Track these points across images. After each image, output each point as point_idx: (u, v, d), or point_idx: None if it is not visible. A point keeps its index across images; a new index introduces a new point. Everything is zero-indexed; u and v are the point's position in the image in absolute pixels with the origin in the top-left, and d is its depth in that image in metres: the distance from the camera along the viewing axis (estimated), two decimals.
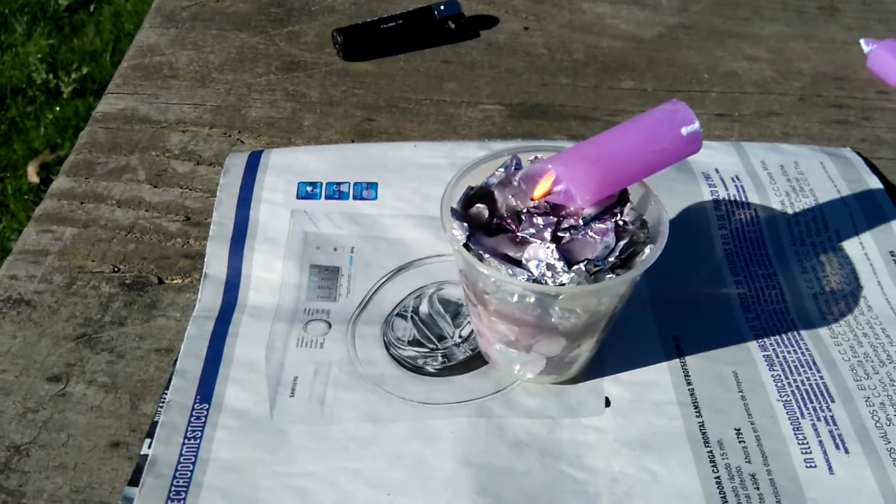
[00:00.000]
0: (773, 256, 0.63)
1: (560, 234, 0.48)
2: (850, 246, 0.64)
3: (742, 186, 0.68)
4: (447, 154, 0.69)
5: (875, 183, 0.69)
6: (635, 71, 0.84)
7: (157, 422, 0.50)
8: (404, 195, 0.66)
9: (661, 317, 0.59)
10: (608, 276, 0.46)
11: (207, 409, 0.51)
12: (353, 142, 0.72)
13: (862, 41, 0.86)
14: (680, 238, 0.62)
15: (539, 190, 0.48)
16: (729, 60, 0.86)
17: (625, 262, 0.48)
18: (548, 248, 0.46)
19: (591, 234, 0.48)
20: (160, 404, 0.52)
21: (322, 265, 0.61)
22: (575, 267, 0.45)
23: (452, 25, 0.85)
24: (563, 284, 0.45)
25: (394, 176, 0.67)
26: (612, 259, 0.47)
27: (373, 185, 0.66)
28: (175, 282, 0.60)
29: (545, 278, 0.45)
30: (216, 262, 0.60)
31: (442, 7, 0.84)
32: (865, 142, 0.76)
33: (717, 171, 0.70)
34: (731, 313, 0.59)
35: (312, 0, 0.90)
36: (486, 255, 0.46)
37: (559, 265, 0.45)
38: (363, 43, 0.82)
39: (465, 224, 0.47)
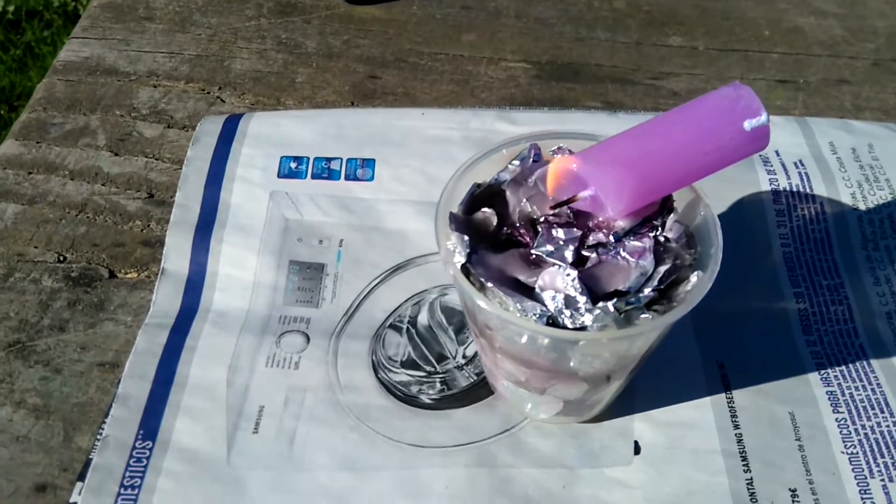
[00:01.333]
0: (841, 263, 0.55)
1: (585, 252, 0.39)
2: None
3: (807, 174, 0.59)
4: (460, 125, 0.60)
5: None
6: (684, 24, 0.74)
7: (91, 460, 0.43)
8: (406, 176, 0.57)
9: (704, 337, 0.50)
10: (643, 315, 0.37)
11: (151, 449, 0.43)
12: (352, 104, 0.64)
13: None
14: (732, 237, 0.53)
15: (552, 185, 0.39)
16: (794, 14, 0.76)
17: (665, 291, 0.39)
18: (567, 274, 0.37)
19: (623, 254, 0.39)
20: (97, 437, 0.44)
21: (304, 262, 0.52)
22: (601, 304, 0.36)
23: None
24: (585, 327, 0.36)
25: (395, 151, 0.58)
26: (648, 291, 0.38)
27: (369, 163, 0.57)
28: (129, 276, 0.52)
29: (563, 317, 0.37)
30: (176, 255, 0.52)
31: None
32: None
33: (777, 153, 0.60)
34: (788, 334, 0.51)
35: None
36: (489, 284, 0.37)
37: (581, 300, 0.37)
38: None
39: (467, 238, 0.38)
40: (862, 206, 0.58)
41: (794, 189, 0.58)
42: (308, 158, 0.57)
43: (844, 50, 0.73)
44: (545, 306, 0.37)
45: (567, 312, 0.37)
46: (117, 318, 0.50)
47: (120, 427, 0.44)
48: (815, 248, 0.55)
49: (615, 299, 0.37)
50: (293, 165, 0.57)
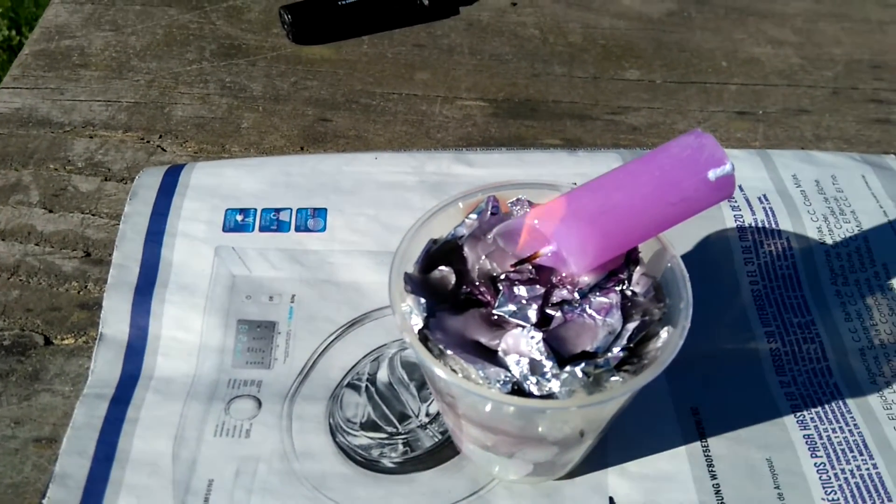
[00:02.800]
0: (811, 300, 0.54)
1: (549, 310, 0.37)
2: None
3: (772, 209, 0.58)
4: (416, 169, 0.59)
5: None
6: (641, 58, 0.73)
7: None
8: (360, 225, 0.55)
9: (676, 383, 0.49)
10: (613, 377, 0.36)
11: None
12: (301, 149, 0.62)
13: None
14: (699, 277, 0.52)
15: (523, 245, 0.38)
16: (750, 44, 0.75)
17: (635, 349, 0.37)
18: (532, 337, 0.36)
19: (589, 311, 0.37)
20: None
21: (253, 320, 0.50)
22: (568, 369, 0.35)
23: (426, 1, 0.73)
24: (553, 394, 0.35)
25: (347, 199, 0.56)
26: (617, 351, 0.36)
27: (321, 212, 0.55)
28: (66, 342, 0.49)
29: (528, 384, 0.35)
30: (115, 318, 0.49)
31: None
32: None
33: (741, 188, 0.59)
34: (761, 376, 0.50)
35: None
36: (449, 352, 0.35)
37: (548, 365, 0.35)
38: (317, 22, 0.71)
39: (423, 301, 0.36)
40: (829, 240, 0.57)
41: (760, 225, 0.58)
42: (255, 210, 0.55)
43: (802, 79, 0.72)
44: (509, 372, 0.35)
45: (533, 379, 0.35)
46: (54, 389, 0.47)
47: None
48: (783, 285, 0.55)
49: (583, 363, 0.35)
50: (239, 218, 0.55)
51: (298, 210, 0.56)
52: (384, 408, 0.47)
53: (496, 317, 0.37)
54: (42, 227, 0.55)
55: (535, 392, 0.35)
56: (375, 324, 0.51)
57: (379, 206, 0.56)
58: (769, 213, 0.58)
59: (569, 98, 0.69)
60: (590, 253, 0.37)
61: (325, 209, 0.56)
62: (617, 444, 0.46)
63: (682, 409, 0.48)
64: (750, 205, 0.59)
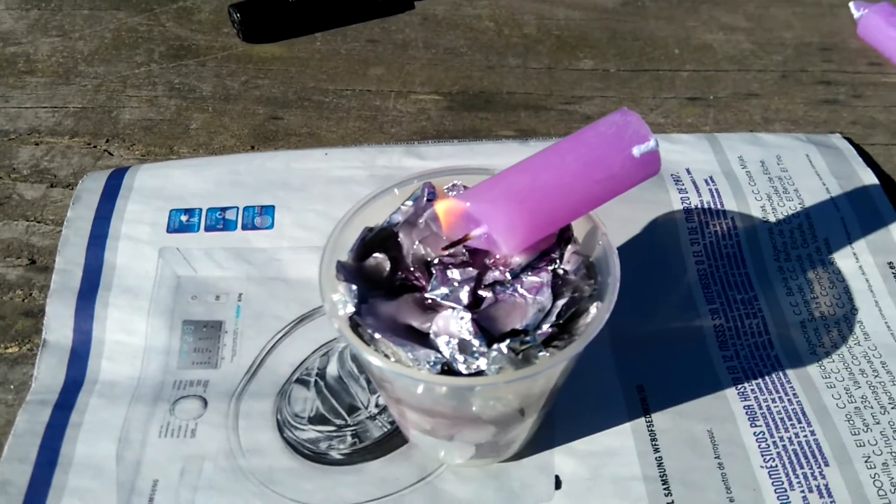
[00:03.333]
0: (754, 276, 0.55)
1: (482, 292, 0.38)
2: (843, 258, 0.56)
3: (717, 190, 0.59)
4: (366, 164, 0.59)
5: (869, 178, 0.61)
6: (595, 47, 0.74)
7: None
8: (308, 221, 0.55)
9: (623, 362, 0.50)
10: (541, 353, 0.36)
11: None
12: (252, 148, 0.62)
13: (852, 5, 0.78)
14: (646, 259, 0.55)
15: (443, 225, 0.38)
16: (703, 31, 0.76)
17: (565, 325, 0.38)
18: (461, 318, 0.36)
19: (520, 291, 0.38)
20: None
21: (199, 320, 0.50)
22: (495, 347, 0.35)
23: None
24: (482, 371, 0.35)
25: (296, 195, 0.56)
26: (546, 327, 0.37)
27: (268, 210, 0.56)
28: (10, 350, 0.49)
29: (457, 363, 0.35)
30: (58, 324, 0.49)
31: None
32: (857, 125, 0.67)
33: (688, 171, 0.60)
34: (705, 352, 0.51)
35: None
36: (378, 336, 0.35)
37: (476, 343, 0.35)
38: (268, 20, 0.71)
39: (354, 287, 0.37)
40: (772, 218, 0.58)
41: (706, 206, 0.58)
42: (200, 210, 0.55)
43: (753, 63, 0.73)
44: (440, 353, 0.36)
45: (461, 358, 0.35)
46: None
47: None
48: (728, 264, 0.55)
49: (510, 340, 0.35)
50: (184, 219, 0.55)
51: (245, 208, 0.56)
52: (333, 401, 0.47)
53: (429, 301, 0.38)
54: None
55: (464, 370, 0.35)
56: (325, 319, 0.51)
57: (328, 202, 0.56)
58: (715, 194, 0.59)
59: (523, 89, 0.69)
60: (518, 233, 0.37)
61: (273, 206, 0.56)
62: (564, 424, 0.46)
63: (628, 387, 0.49)
64: (696, 187, 0.59)
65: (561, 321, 0.37)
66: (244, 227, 0.55)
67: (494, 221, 0.37)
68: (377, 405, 0.47)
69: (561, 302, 0.37)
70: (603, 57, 0.73)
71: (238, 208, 0.56)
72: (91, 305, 0.50)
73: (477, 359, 0.35)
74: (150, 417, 0.46)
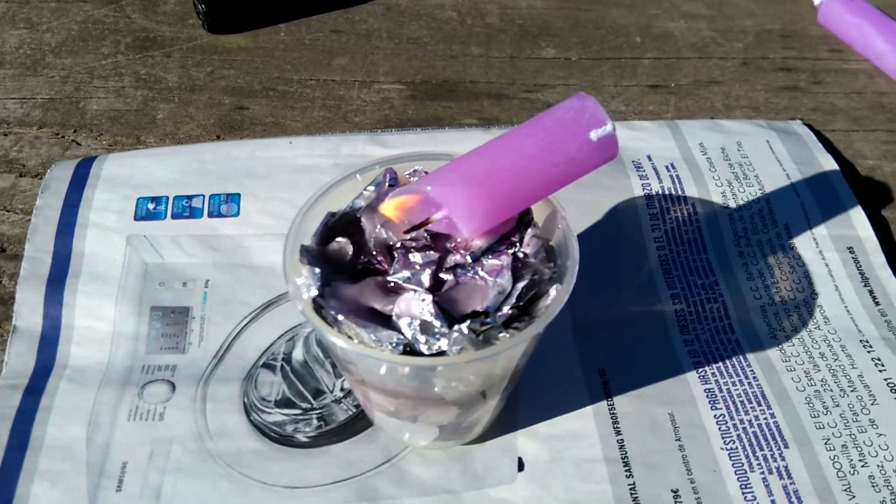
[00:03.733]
0: (715, 261, 0.56)
1: (443, 275, 0.39)
2: (803, 243, 0.57)
3: (678, 176, 0.60)
4: (331, 151, 0.60)
5: (829, 164, 0.62)
6: (557, 36, 0.75)
7: None
8: (274, 209, 0.56)
9: (584, 346, 0.51)
10: (501, 334, 0.37)
11: None
12: (218, 137, 0.62)
13: None
14: (607, 245, 0.55)
15: (390, 208, 0.39)
16: (664, 19, 0.77)
17: (526, 307, 0.39)
18: (423, 300, 0.37)
19: (481, 273, 0.39)
20: None
21: (167, 306, 0.51)
22: (456, 328, 0.36)
23: None
24: (443, 352, 0.36)
25: (261, 184, 0.57)
26: (507, 309, 0.38)
27: (234, 198, 0.56)
28: None
29: (419, 344, 0.36)
30: (28, 310, 0.50)
31: None
32: (817, 111, 0.68)
33: (649, 158, 0.61)
34: (666, 336, 0.52)
35: None
36: (341, 317, 0.36)
37: (437, 324, 0.36)
38: (233, 11, 0.71)
39: (318, 270, 0.38)
40: (732, 204, 0.59)
41: (667, 192, 0.59)
42: (167, 198, 0.56)
43: (714, 51, 0.74)
44: (402, 334, 0.37)
45: (423, 339, 0.36)
46: None
47: None
48: (689, 249, 0.56)
49: (470, 321, 0.36)
50: (151, 206, 0.56)
51: (211, 196, 0.56)
52: (299, 385, 0.48)
53: (392, 284, 0.38)
54: None
55: (426, 351, 0.36)
56: (291, 304, 0.51)
57: (294, 190, 0.57)
58: (676, 180, 0.60)
59: (486, 78, 0.70)
60: (478, 216, 0.38)
61: (239, 194, 0.57)
62: (526, 407, 0.47)
63: (590, 371, 0.49)
64: (657, 173, 0.61)
65: (521, 303, 0.38)
66: (210, 215, 0.55)
67: (454, 205, 0.38)
68: (342, 389, 0.48)
69: (521, 284, 0.38)
70: (565, 45, 0.74)
71: (204, 196, 0.56)
72: (60, 292, 0.51)
73: (438, 339, 0.36)
74: (119, 401, 0.46)
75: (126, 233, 0.54)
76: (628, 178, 0.60)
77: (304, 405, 0.47)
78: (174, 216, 0.55)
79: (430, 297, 0.37)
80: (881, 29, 0.73)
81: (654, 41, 0.75)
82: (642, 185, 0.60)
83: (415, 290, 0.38)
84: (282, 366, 0.49)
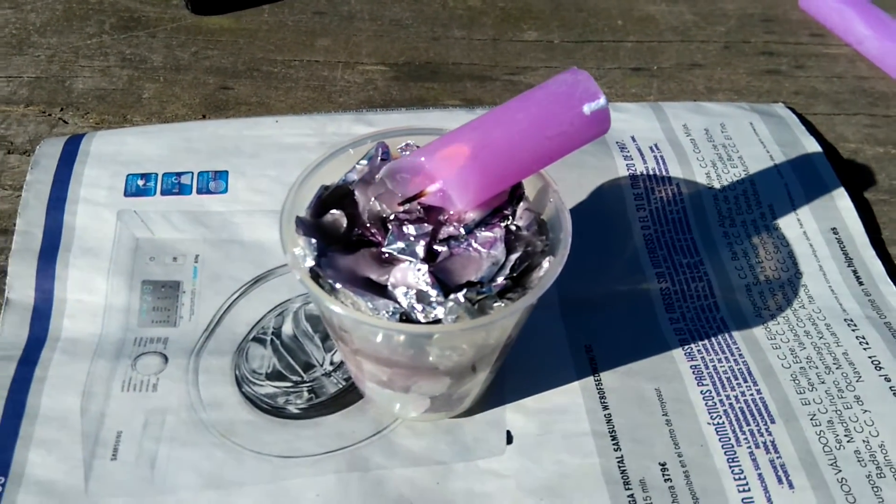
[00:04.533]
0: (700, 241, 0.57)
1: (437, 247, 0.40)
2: (787, 224, 0.58)
3: (662, 157, 0.61)
4: (317, 130, 0.61)
5: (812, 146, 0.63)
6: (539, 19, 0.76)
7: None
8: (262, 186, 0.57)
9: (571, 323, 0.52)
10: (496, 304, 0.38)
11: (3, 484, 0.43)
12: (204, 117, 0.63)
13: None
14: (593, 224, 0.56)
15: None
16: (645, 3, 0.79)
17: (519, 279, 0.40)
18: (418, 269, 0.38)
19: (475, 245, 0.40)
20: None
21: (158, 280, 0.52)
22: (452, 297, 0.37)
23: None
24: (439, 320, 0.37)
25: (249, 162, 0.58)
26: (501, 280, 0.39)
27: (222, 175, 0.57)
28: None
29: (415, 312, 0.37)
30: (21, 283, 0.51)
31: None
32: (800, 95, 0.70)
33: (633, 139, 0.62)
34: (652, 314, 0.53)
35: None
36: (339, 286, 0.38)
37: (433, 293, 0.38)
38: None
39: (314, 241, 0.39)
40: (717, 185, 0.60)
41: (651, 173, 0.61)
42: (157, 175, 0.57)
43: (696, 34, 0.76)
44: (398, 303, 0.38)
45: (419, 307, 0.37)
46: None
47: None
48: (673, 229, 0.58)
49: (466, 290, 0.38)
50: (141, 183, 0.56)
51: (200, 173, 0.57)
52: (289, 359, 0.49)
53: (386, 255, 0.40)
54: None
55: (422, 319, 0.37)
56: (280, 280, 0.52)
57: (281, 168, 0.58)
58: (660, 161, 0.62)
59: (468, 60, 0.71)
60: (471, 188, 0.39)
61: (227, 171, 0.58)
62: (514, 382, 0.48)
63: (577, 347, 0.51)
64: (642, 154, 0.62)
65: (514, 274, 0.39)
66: (199, 192, 0.56)
67: (448, 177, 0.39)
68: (332, 363, 0.49)
69: (514, 256, 0.40)
70: (547, 28, 0.75)
71: (193, 173, 0.57)
72: (52, 266, 0.52)
73: (434, 308, 0.37)
74: (113, 372, 0.47)
75: (116, 208, 0.55)
76: (613, 159, 0.61)
77: (295, 378, 0.48)
78: (164, 192, 0.56)
79: (425, 267, 0.38)
80: (862, 13, 0.75)
81: (636, 24, 0.76)
82: (626, 165, 0.61)
83: (410, 261, 0.39)
84: (272, 340, 0.50)
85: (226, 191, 0.56)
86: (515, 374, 0.49)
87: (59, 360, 0.47)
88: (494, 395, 0.48)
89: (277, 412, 0.47)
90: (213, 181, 0.57)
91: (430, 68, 0.70)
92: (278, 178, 0.57)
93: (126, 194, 0.55)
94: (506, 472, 0.45)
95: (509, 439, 0.46)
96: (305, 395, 0.48)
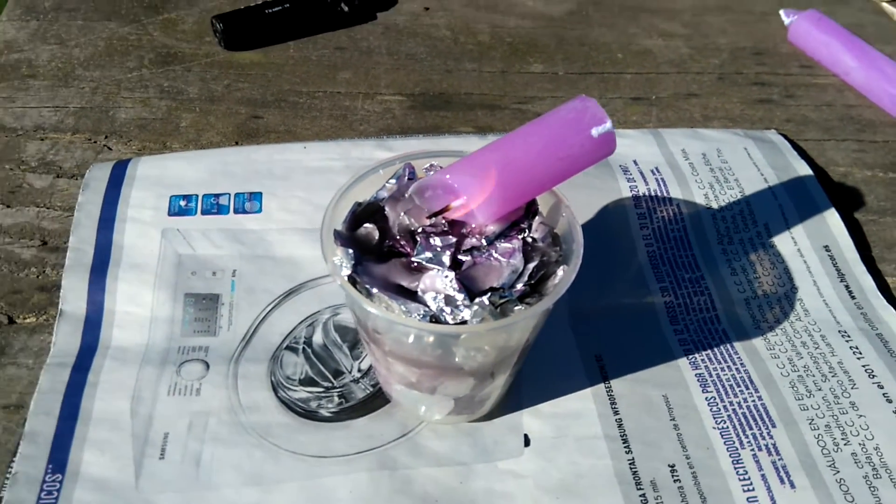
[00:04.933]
0: (700, 258, 0.58)
1: (461, 257, 0.41)
2: (782, 242, 0.60)
3: (663, 179, 0.63)
4: (341, 155, 0.63)
5: (804, 169, 0.65)
6: (545, 53, 0.78)
7: (1, 498, 0.43)
8: (292, 206, 0.59)
9: (581, 334, 0.53)
10: (517, 307, 0.40)
11: (61, 481, 0.44)
12: (237, 144, 0.65)
13: (782, 12, 0.82)
14: (599, 241, 0.57)
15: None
16: (643, 37, 0.81)
17: (536, 286, 0.42)
18: (446, 276, 0.40)
19: (495, 255, 0.42)
20: (7, 476, 0.44)
21: (199, 293, 0.53)
22: (477, 300, 0.39)
23: (346, 8, 0.78)
24: (465, 321, 0.39)
25: (280, 184, 0.60)
26: (520, 286, 0.41)
27: (256, 196, 0.59)
28: (28, 321, 0.52)
29: (444, 315, 0.39)
30: (73, 296, 0.52)
31: None
32: (791, 122, 0.71)
33: (635, 162, 0.64)
34: (657, 326, 0.54)
35: None
36: (375, 290, 0.39)
37: (460, 297, 0.39)
38: (247, 30, 0.75)
39: (351, 251, 0.41)
40: (714, 205, 0.62)
41: (653, 194, 0.62)
42: (197, 196, 0.59)
43: (691, 66, 0.78)
44: (427, 307, 0.40)
45: (448, 310, 0.39)
46: (19, 362, 0.50)
47: (29, 463, 0.44)
48: (675, 246, 0.59)
49: (490, 294, 0.39)
50: (183, 203, 0.58)
51: (236, 194, 0.59)
52: (320, 366, 0.51)
53: (415, 264, 0.41)
54: (0, 220, 0.58)
55: (450, 321, 0.39)
56: (310, 293, 0.54)
57: (309, 189, 0.60)
58: (661, 183, 0.63)
59: (479, 90, 0.73)
60: (493, 203, 0.41)
61: (261, 193, 0.59)
62: (530, 389, 0.50)
63: (587, 356, 0.52)
64: (644, 177, 0.64)
65: (532, 282, 0.41)
66: (236, 211, 0.58)
67: (472, 193, 0.41)
68: (359, 370, 0.51)
69: (531, 265, 0.41)
70: (552, 61, 0.77)
71: (230, 194, 0.59)
72: (102, 279, 0.53)
73: (462, 310, 0.39)
74: (159, 378, 0.49)
75: (161, 227, 0.57)
76: (616, 181, 0.63)
77: (326, 384, 0.50)
78: (203, 212, 0.58)
79: (452, 274, 0.40)
80: (848, 46, 0.76)
81: (635, 57, 0.78)
82: (630, 186, 0.63)
83: (437, 269, 0.40)
84: (303, 348, 0.51)
85: (260, 210, 0.58)
86: (531, 381, 0.50)
87: (110, 366, 0.49)
88: (512, 401, 0.49)
89: (311, 415, 0.48)
90: (249, 201, 0.59)
91: (443, 98, 0.72)
92: (308, 199, 0.59)
93: (169, 214, 0.57)
94: (524, 473, 0.46)
95: (526, 442, 0.48)
96: (336, 399, 0.49)
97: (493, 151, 0.42)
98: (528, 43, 0.79)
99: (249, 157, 0.62)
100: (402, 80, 0.73)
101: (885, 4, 0.86)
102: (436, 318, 0.39)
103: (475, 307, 0.39)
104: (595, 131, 0.42)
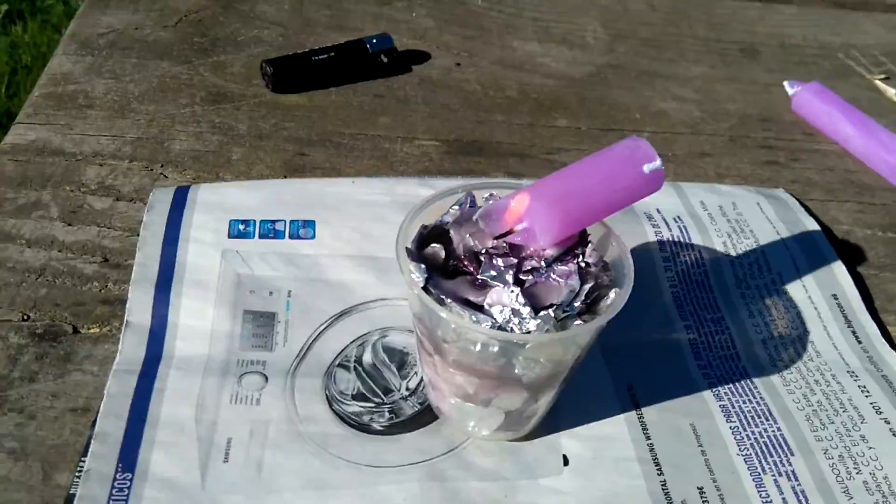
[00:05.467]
0: (720, 300, 0.60)
1: (522, 276, 0.42)
2: (794, 289, 0.61)
3: (685, 227, 0.65)
4: (387, 191, 0.64)
5: (812, 224, 0.67)
6: (568, 109, 0.80)
7: (73, 494, 0.43)
8: (343, 234, 0.60)
9: (613, 365, 0.54)
10: (576, 322, 0.41)
11: (131, 480, 0.44)
12: (285, 177, 0.66)
13: (786, 83, 0.84)
14: None
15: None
16: (658, 100, 0.83)
17: (589, 307, 0.43)
18: (512, 291, 0.41)
19: (554, 276, 0.43)
20: (76, 474, 0.44)
21: (257, 311, 0.54)
22: (542, 313, 0.40)
23: (385, 59, 0.80)
24: (530, 332, 0.40)
25: (332, 213, 0.61)
26: (577, 304, 0.42)
27: (310, 224, 0.60)
28: (92, 331, 0.52)
29: (511, 325, 0.40)
30: (139, 308, 0.53)
31: (374, 41, 0.79)
32: (796, 183, 0.73)
33: (658, 210, 0.66)
34: (683, 360, 0.55)
35: (237, 30, 0.84)
36: (448, 300, 0.40)
37: (525, 311, 0.40)
38: (294, 74, 0.76)
39: (423, 266, 0.41)
40: (732, 253, 0.63)
41: (676, 240, 0.64)
42: (255, 221, 0.59)
43: (703, 128, 0.80)
44: (494, 319, 0.40)
45: (515, 320, 0.40)
46: (84, 369, 0.50)
47: (100, 461, 0.44)
48: (697, 288, 0.60)
49: (553, 309, 0.40)
50: (241, 227, 0.59)
51: (291, 221, 0.60)
52: (370, 383, 0.51)
53: (480, 281, 0.42)
54: (63, 237, 0.58)
55: (517, 331, 0.40)
56: (360, 315, 0.55)
57: (359, 220, 0.61)
58: (683, 230, 0.65)
59: (509, 140, 0.75)
60: (554, 229, 0.42)
61: (314, 221, 0.60)
62: (567, 415, 0.50)
63: (620, 386, 0.53)
64: (667, 224, 0.65)
65: (588, 301, 0.42)
66: (291, 237, 0.59)
67: (535, 218, 0.43)
68: (408, 388, 0.51)
69: (587, 286, 0.42)
70: (575, 117, 0.79)
71: (285, 221, 0.60)
72: (167, 294, 0.54)
73: (528, 322, 0.40)
74: (221, 388, 0.49)
75: (221, 248, 0.57)
76: (642, 226, 0.64)
77: (377, 400, 0.50)
78: (261, 236, 0.59)
79: (518, 290, 0.41)
80: (848, 116, 0.79)
81: (652, 117, 0.80)
82: (654, 232, 0.64)
83: (502, 286, 0.41)
84: (354, 366, 0.52)
85: (313, 237, 0.59)
86: (569, 407, 0.51)
87: (175, 375, 0.49)
88: (550, 424, 0.50)
89: (364, 428, 0.48)
90: (303, 228, 0.59)
91: (476, 145, 0.73)
92: (357, 228, 0.60)
93: (229, 237, 0.58)
94: (565, 490, 0.47)
95: (566, 462, 0.48)
96: (387, 414, 0.49)
97: (556, 180, 0.44)
98: (552, 99, 0.81)
99: (302, 188, 0.63)
100: (438, 127, 0.75)
101: (877, 81, 0.89)
102: (503, 329, 0.40)
103: (539, 320, 0.40)
104: (646, 168, 0.44)
